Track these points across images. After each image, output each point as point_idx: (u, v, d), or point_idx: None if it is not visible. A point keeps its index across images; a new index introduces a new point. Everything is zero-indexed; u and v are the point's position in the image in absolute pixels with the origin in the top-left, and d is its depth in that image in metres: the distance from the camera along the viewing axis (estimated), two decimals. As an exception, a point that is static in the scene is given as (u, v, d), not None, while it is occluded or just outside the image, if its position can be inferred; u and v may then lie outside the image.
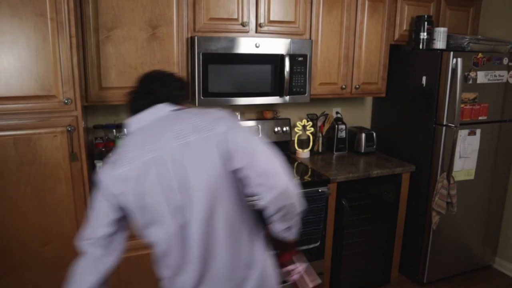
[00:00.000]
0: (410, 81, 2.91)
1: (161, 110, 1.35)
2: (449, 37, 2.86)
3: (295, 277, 1.44)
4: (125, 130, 1.38)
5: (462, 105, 2.73)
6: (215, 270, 1.33)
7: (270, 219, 1.32)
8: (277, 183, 1.24)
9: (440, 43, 2.83)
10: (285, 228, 1.34)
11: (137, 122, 1.36)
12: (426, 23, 2.82)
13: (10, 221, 1.89)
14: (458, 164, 2.82)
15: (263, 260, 1.40)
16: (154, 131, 1.31)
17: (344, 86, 2.82)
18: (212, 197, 1.27)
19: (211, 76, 2.36)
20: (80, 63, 2.09)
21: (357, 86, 2.86)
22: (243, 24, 2.45)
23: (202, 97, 2.37)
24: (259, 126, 2.94)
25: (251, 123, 2.92)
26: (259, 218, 1.41)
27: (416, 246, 2.99)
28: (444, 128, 2.72)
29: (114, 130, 2.55)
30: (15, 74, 1.79)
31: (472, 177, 2.92)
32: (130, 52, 2.23)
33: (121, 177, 1.28)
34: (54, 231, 1.98)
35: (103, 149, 2.42)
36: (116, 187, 1.29)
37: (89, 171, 2.08)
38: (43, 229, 1.96)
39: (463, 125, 2.77)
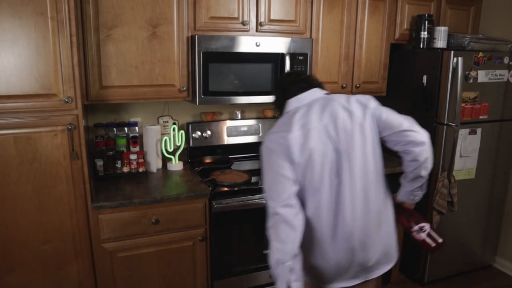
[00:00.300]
0: (410, 80, 2.91)
1: (318, 92, 1.68)
2: (449, 36, 2.86)
3: (422, 235, 1.69)
4: (287, 107, 1.70)
5: (463, 104, 2.72)
6: (358, 226, 1.57)
7: (405, 178, 1.71)
8: (423, 138, 1.62)
9: (440, 42, 2.83)
10: (417, 187, 1.72)
11: (298, 101, 1.65)
12: (426, 22, 2.82)
13: (10, 220, 1.89)
14: (458, 163, 2.82)
15: (392, 223, 1.69)
16: (319, 106, 1.60)
17: (344, 85, 2.82)
18: (366, 161, 1.58)
19: (211, 75, 2.36)
20: (81, 62, 2.09)
21: (358, 85, 2.86)
22: (243, 23, 2.45)
23: (202, 96, 2.37)
24: (260, 125, 2.94)
25: (252, 122, 2.92)
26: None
27: (416, 245, 2.97)
28: (444, 127, 2.72)
29: (114, 129, 2.55)
30: (16, 73, 1.79)
31: (472, 176, 2.92)
32: (131, 51, 2.23)
33: (295, 140, 1.52)
34: (55, 230, 1.98)
35: (104, 148, 2.42)
36: (291, 149, 1.52)
37: (89, 170, 2.08)
38: (43, 227, 1.96)
39: (464, 124, 2.77)
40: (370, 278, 1.67)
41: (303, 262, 1.57)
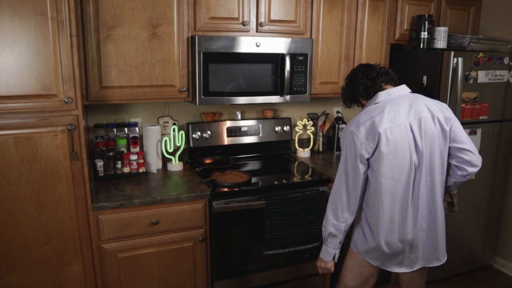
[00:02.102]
0: (410, 80, 2.90)
1: (405, 89, 1.82)
2: (450, 36, 2.86)
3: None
4: (376, 98, 1.80)
5: (463, 105, 2.72)
6: (424, 216, 1.79)
7: (450, 183, 1.90)
8: (478, 162, 1.82)
9: (441, 43, 2.83)
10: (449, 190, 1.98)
11: (388, 95, 1.77)
12: (426, 22, 2.82)
13: (10, 220, 1.89)
14: (458, 164, 2.81)
15: (443, 225, 1.90)
16: (407, 103, 1.73)
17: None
18: (439, 162, 1.75)
19: (211, 75, 2.36)
20: (81, 62, 2.09)
21: (358, 86, 2.86)
22: (243, 24, 2.45)
23: (202, 96, 2.37)
24: (260, 125, 2.94)
25: (252, 122, 2.92)
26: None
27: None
28: (444, 127, 2.72)
29: (114, 129, 2.55)
30: (16, 73, 1.79)
31: (473, 177, 2.91)
32: (131, 51, 2.23)
33: (384, 132, 1.65)
34: (55, 230, 1.98)
35: (104, 148, 2.42)
36: (380, 138, 1.65)
37: (89, 170, 2.08)
38: (43, 228, 1.96)
39: (464, 124, 2.73)
40: (415, 268, 1.86)
41: (368, 244, 1.81)
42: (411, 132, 1.70)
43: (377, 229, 1.77)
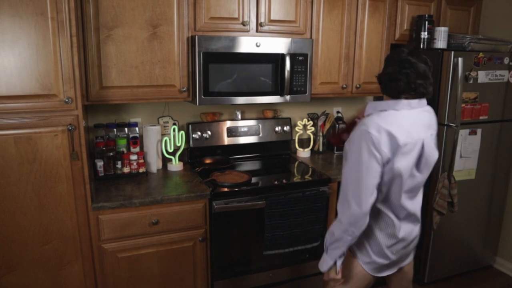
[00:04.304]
0: (410, 80, 2.90)
1: (424, 102, 1.69)
2: (450, 36, 2.86)
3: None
4: (396, 104, 1.66)
5: (463, 105, 2.72)
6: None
7: None
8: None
9: (441, 43, 2.83)
10: None
11: (409, 105, 1.64)
12: (427, 22, 2.82)
13: (10, 220, 1.89)
14: (459, 164, 2.81)
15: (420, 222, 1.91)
16: (422, 119, 1.67)
17: (345, 86, 2.82)
18: (425, 178, 1.75)
19: (211, 75, 2.36)
20: (81, 62, 2.09)
21: (358, 86, 2.86)
22: (243, 24, 2.45)
23: (202, 96, 2.37)
24: (260, 125, 2.94)
25: (252, 122, 2.92)
26: None
27: (417, 246, 2.98)
28: (445, 127, 2.71)
29: (114, 129, 2.55)
30: (16, 73, 1.79)
31: (473, 177, 2.92)
32: (131, 51, 2.23)
33: (405, 146, 1.58)
34: (55, 230, 1.98)
35: (104, 148, 2.42)
36: (398, 143, 1.57)
37: (89, 170, 2.08)
38: (43, 228, 1.96)
39: (464, 124, 2.77)
40: (402, 265, 1.92)
41: (366, 256, 1.79)
42: (422, 149, 1.65)
43: (372, 241, 1.79)
